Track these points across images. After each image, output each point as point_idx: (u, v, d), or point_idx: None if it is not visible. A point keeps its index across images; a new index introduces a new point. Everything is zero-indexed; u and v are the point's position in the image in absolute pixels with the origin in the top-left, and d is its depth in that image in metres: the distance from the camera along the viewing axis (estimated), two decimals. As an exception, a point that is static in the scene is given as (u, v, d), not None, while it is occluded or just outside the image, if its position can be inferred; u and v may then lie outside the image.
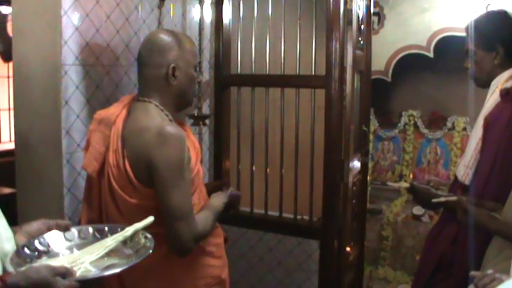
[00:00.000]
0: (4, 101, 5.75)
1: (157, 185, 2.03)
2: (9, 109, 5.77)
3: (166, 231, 2.04)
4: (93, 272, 1.46)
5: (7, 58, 4.33)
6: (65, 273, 1.32)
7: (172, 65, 2.14)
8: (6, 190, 4.66)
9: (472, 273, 1.65)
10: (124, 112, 2.19)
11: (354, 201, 3.18)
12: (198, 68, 2.30)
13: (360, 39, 3.17)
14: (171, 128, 2.04)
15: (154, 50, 2.15)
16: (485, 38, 2.49)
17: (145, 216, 1.79)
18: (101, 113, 2.25)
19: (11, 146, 5.83)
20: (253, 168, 3.13)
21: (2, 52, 4.00)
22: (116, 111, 2.20)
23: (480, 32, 2.51)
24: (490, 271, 1.61)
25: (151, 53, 2.16)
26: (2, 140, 5.82)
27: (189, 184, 2.10)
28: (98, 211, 2.25)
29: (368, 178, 3.68)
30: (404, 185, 2.89)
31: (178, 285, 2.21)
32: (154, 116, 2.12)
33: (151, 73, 2.16)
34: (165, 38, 2.17)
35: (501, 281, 1.53)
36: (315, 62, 2.93)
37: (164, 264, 2.15)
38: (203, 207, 2.25)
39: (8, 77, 5.61)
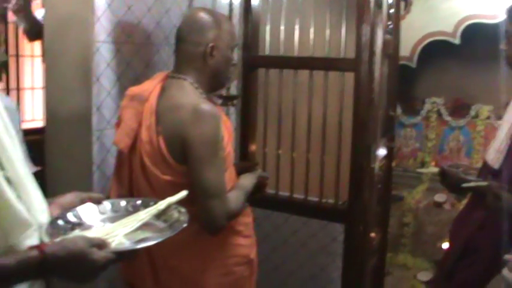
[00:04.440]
0: (28, 80, 5.77)
1: (192, 162, 2.03)
2: (33, 88, 5.79)
3: (199, 209, 2.04)
4: (127, 244, 1.45)
5: (32, 37, 4.32)
6: (100, 244, 1.32)
7: (211, 44, 2.15)
8: (32, 168, 4.66)
9: (507, 256, 1.64)
10: (158, 88, 2.19)
11: (379, 186, 3.17)
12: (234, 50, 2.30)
13: (389, 23, 3.14)
14: (207, 106, 2.05)
15: (194, 28, 2.16)
16: None
17: (177, 193, 1.78)
18: (133, 89, 2.25)
19: (34, 124, 5.86)
20: (280, 151, 3.13)
21: (26, 31, 4.00)
22: (149, 88, 2.20)
23: None
24: None
25: (191, 30, 2.17)
26: (26, 119, 5.85)
27: (223, 162, 2.11)
28: (128, 188, 2.25)
29: (391, 164, 3.67)
30: (433, 169, 2.86)
31: (208, 263, 2.22)
32: (190, 93, 2.13)
33: (189, 50, 2.17)
34: (206, 16, 2.18)
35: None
36: (344, 45, 2.91)
37: (194, 242, 2.16)
38: (233, 187, 2.25)
39: (32, 56, 5.62)
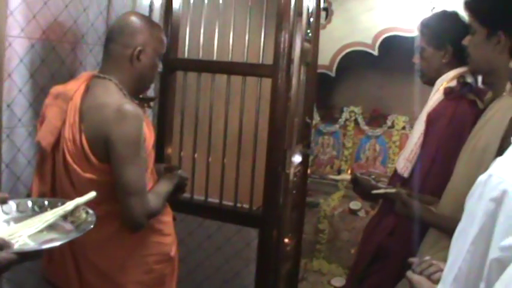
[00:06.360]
0: None
1: (114, 160, 2.06)
2: None
3: (120, 206, 2.08)
4: (31, 245, 1.42)
5: None
6: (2, 244, 1.28)
7: (139, 48, 2.19)
8: None
9: (410, 259, 1.68)
10: (82, 88, 2.21)
11: (294, 192, 3.20)
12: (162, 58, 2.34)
13: (308, 31, 3.19)
14: (130, 106, 2.08)
15: (125, 29, 2.20)
16: (437, 36, 2.57)
17: (99, 191, 1.78)
18: (57, 88, 2.26)
19: None
20: (196, 154, 3.11)
21: None
22: (74, 87, 2.21)
23: (432, 30, 2.59)
24: (427, 257, 1.64)
25: (121, 31, 2.20)
26: None
27: (144, 162, 2.15)
28: (50, 185, 2.25)
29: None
30: (347, 176, 2.93)
31: (129, 261, 2.25)
32: (114, 93, 2.16)
33: (117, 51, 2.20)
34: (138, 20, 2.23)
35: (438, 267, 1.55)
36: (263, 52, 2.93)
37: (115, 240, 2.20)
38: (153, 187, 2.30)
39: None
